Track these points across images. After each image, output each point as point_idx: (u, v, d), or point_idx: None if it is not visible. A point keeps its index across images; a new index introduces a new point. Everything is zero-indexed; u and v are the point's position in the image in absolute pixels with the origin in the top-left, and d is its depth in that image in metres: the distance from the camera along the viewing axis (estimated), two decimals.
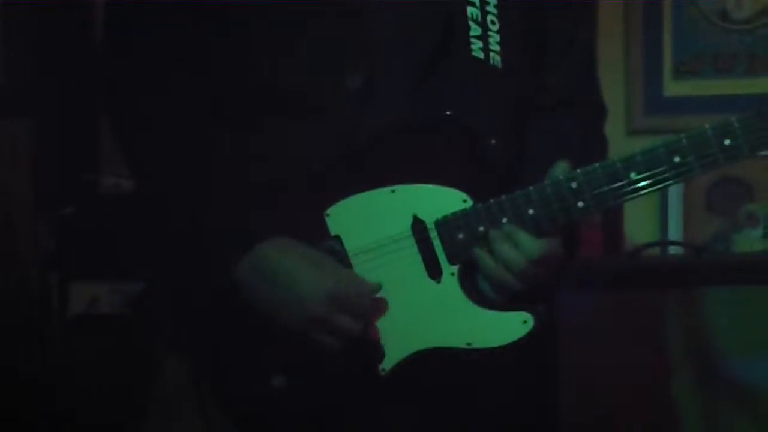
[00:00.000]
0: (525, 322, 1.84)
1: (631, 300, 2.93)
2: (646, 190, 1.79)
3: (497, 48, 1.89)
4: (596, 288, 2.93)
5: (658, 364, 2.91)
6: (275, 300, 1.84)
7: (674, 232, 3.40)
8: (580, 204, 1.80)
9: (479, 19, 1.89)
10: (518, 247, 1.81)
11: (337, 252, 1.88)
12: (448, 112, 1.85)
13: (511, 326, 1.85)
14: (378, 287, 1.86)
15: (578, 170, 1.80)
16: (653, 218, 3.41)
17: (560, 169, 1.81)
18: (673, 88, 3.39)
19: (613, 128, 3.20)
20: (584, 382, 2.84)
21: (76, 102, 3.16)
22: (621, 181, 1.79)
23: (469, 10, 1.88)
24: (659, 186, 1.78)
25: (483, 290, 1.85)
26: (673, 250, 3.34)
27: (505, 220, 1.83)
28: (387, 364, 1.87)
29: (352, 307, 1.83)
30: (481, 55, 1.89)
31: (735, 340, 2.90)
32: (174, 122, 1.89)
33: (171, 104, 1.88)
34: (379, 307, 1.87)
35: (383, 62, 1.87)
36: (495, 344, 1.85)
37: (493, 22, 1.89)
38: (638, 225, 3.41)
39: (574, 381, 2.79)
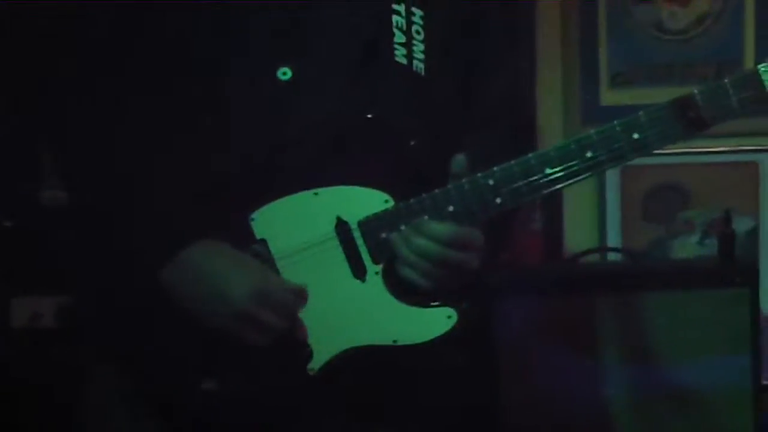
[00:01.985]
0: (449, 317, 1.87)
1: (570, 306, 2.95)
2: (560, 184, 1.83)
3: (421, 56, 1.94)
4: (536, 294, 2.94)
5: (596, 369, 2.93)
6: (202, 299, 1.85)
7: (613, 239, 3.43)
8: (498, 200, 1.84)
9: (404, 27, 1.94)
10: (427, 234, 1.84)
11: (263, 255, 1.90)
12: (369, 115, 1.89)
13: (435, 321, 1.87)
14: (302, 288, 1.88)
15: (495, 168, 1.84)
16: (592, 226, 3.45)
17: (458, 161, 1.84)
18: (610, 97, 3.42)
19: (551, 136, 3.29)
20: (524, 387, 2.87)
21: (17, 113, 3.15)
22: (536, 175, 1.83)
23: (395, 18, 1.93)
24: (572, 179, 1.82)
25: (411, 281, 1.86)
26: (612, 256, 3.38)
27: (426, 218, 1.86)
28: (316, 363, 1.89)
29: (276, 304, 1.85)
30: (405, 61, 1.93)
31: (673, 344, 2.93)
32: (101, 125, 1.90)
33: (99, 106, 1.90)
34: (303, 306, 1.89)
35: (313, 60, 1.91)
36: (420, 340, 1.87)
37: (418, 32, 1.94)
38: (578, 232, 3.44)
39: (515, 386, 2.82)
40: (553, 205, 3.42)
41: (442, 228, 1.84)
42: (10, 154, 3.10)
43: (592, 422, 2.91)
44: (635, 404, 2.91)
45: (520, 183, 1.83)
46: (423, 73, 1.94)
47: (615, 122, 1.83)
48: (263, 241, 1.90)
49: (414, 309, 1.88)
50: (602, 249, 3.39)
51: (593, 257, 3.32)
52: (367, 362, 1.89)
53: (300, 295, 1.88)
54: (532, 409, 2.86)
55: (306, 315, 1.91)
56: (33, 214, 3.03)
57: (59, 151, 1.95)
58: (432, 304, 1.88)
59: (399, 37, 1.93)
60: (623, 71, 3.42)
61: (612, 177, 3.39)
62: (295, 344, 1.89)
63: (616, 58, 3.42)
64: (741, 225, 3.31)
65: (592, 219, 3.45)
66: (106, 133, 1.91)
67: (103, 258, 1.91)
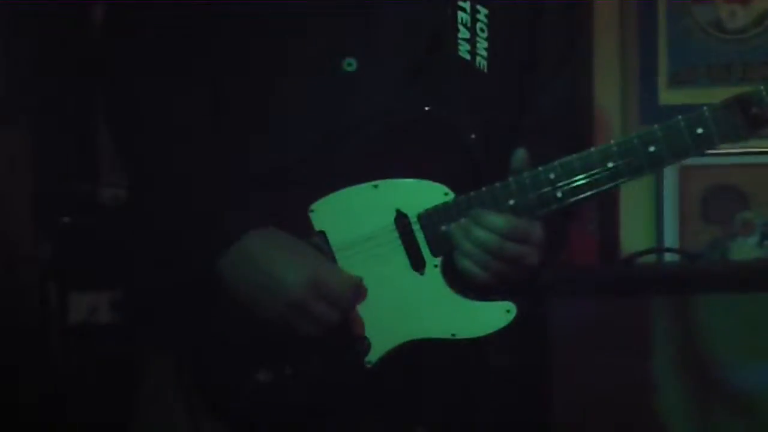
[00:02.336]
0: (508, 311, 1.86)
1: (625, 307, 2.94)
2: (621, 179, 1.83)
3: (484, 53, 1.95)
4: (591, 295, 2.94)
5: (652, 372, 2.93)
6: (256, 287, 1.85)
7: (670, 240, 3.42)
8: (559, 194, 1.84)
9: (468, 24, 1.95)
10: (486, 225, 1.84)
11: (321, 248, 1.90)
12: (427, 108, 1.88)
13: (493, 316, 1.86)
14: (359, 280, 1.88)
15: (556, 161, 1.84)
16: (649, 226, 3.44)
17: (518, 156, 1.84)
18: (668, 96, 3.42)
19: (609, 136, 3.30)
20: (578, 388, 2.86)
21: (75, 111, 3.18)
22: (597, 169, 1.83)
23: (460, 15, 1.94)
24: (635, 175, 1.82)
25: (469, 273, 1.86)
26: (668, 257, 3.36)
27: (485, 210, 1.86)
28: (373, 356, 1.89)
29: (330, 296, 1.85)
30: (468, 57, 1.94)
31: (730, 347, 2.91)
32: (165, 115, 1.91)
33: (161, 97, 1.91)
34: (361, 300, 1.89)
35: (377, 53, 1.92)
36: (478, 334, 1.87)
37: (482, 30, 1.95)
38: (634, 233, 3.43)
39: (568, 387, 2.82)
40: (609, 205, 3.42)
41: (501, 220, 1.83)
42: (70, 152, 3.13)
43: (646, 426, 2.91)
44: (690, 408, 2.91)
45: (582, 177, 1.83)
46: (485, 69, 1.95)
47: (679, 117, 1.82)
48: (322, 233, 1.91)
49: (473, 303, 1.88)
50: (659, 250, 3.38)
51: (649, 258, 3.32)
52: (424, 355, 1.89)
53: (356, 288, 1.88)
54: (584, 411, 2.86)
55: (364, 307, 1.90)
56: (91, 211, 3.06)
57: (121, 141, 1.96)
58: (491, 297, 1.87)
59: (463, 33, 1.94)
60: (682, 71, 3.42)
61: (670, 177, 3.38)
62: (353, 336, 1.89)
63: (674, 58, 3.42)
64: None
65: (648, 219, 3.44)
66: (166, 122, 1.92)
67: (160, 250, 1.92)
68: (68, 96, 3.16)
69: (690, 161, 3.26)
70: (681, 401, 2.88)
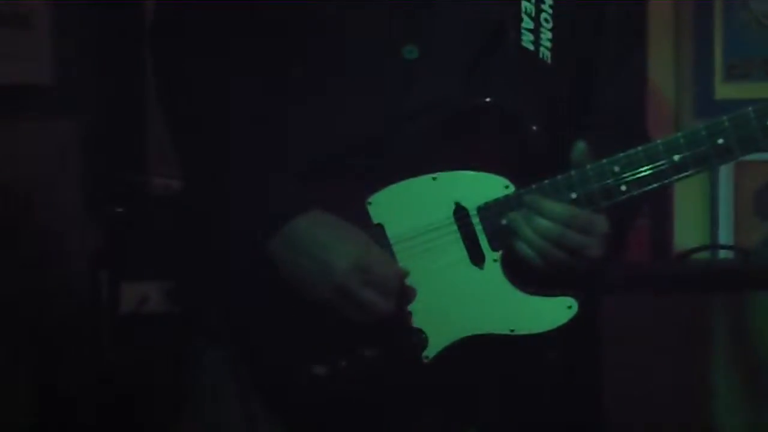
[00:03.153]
0: (569, 307, 1.84)
1: (679, 304, 2.94)
2: (688, 172, 1.82)
3: (548, 44, 1.92)
4: (645, 291, 2.95)
5: (706, 370, 2.93)
6: (304, 270, 1.85)
7: (724, 236, 3.41)
8: (623, 187, 1.83)
9: (533, 14, 1.92)
10: (548, 213, 1.83)
11: (379, 240, 1.89)
12: (488, 99, 1.87)
13: (554, 311, 1.85)
14: (405, 272, 1.87)
15: (621, 153, 1.82)
16: (703, 222, 3.43)
17: (579, 148, 1.83)
18: (724, 90, 3.40)
19: (663, 130, 3.27)
20: (630, 385, 2.85)
21: (126, 103, 3.20)
22: (663, 162, 1.82)
23: (523, 4, 1.92)
24: (702, 168, 1.81)
25: (529, 260, 1.84)
26: (722, 254, 3.36)
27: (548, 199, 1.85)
28: (430, 351, 1.87)
29: (376, 282, 1.84)
30: (531, 47, 1.92)
31: None
32: (220, 94, 1.91)
33: (218, 75, 1.91)
34: (410, 291, 1.87)
35: (439, 40, 1.90)
36: (538, 330, 1.85)
37: (546, 20, 1.93)
38: (688, 229, 3.43)
39: (620, 386, 2.80)
40: (662, 200, 3.40)
41: (563, 208, 1.82)
42: (120, 142, 3.14)
43: (700, 427, 2.92)
44: (745, 410, 2.92)
45: (647, 170, 1.82)
46: (549, 61, 1.93)
47: (749, 108, 1.80)
48: (380, 226, 1.89)
49: (533, 298, 1.86)
50: (713, 246, 3.38)
51: (703, 255, 3.31)
52: (483, 351, 1.88)
53: (403, 278, 1.86)
54: (637, 411, 2.85)
55: (422, 301, 1.89)
56: (142, 201, 3.08)
57: (175, 127, 1.96)
58: (552, 293, 1.85)
59: (527, 23, 1.92)
60: (739, 64, 3.39)
61: (724, 172, 3.36)
62: (409, 330, 1.88)
63: (731, 51, 3.40)
64: None
65: (703, 215, 3.43)
66: (221, 108, 1.91)
67: (212, 235, 1.90)
68: (119, 86, 3.15)
69: (744, 156, 3.29)
70: (735, 398, 2.90)
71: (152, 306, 2.96)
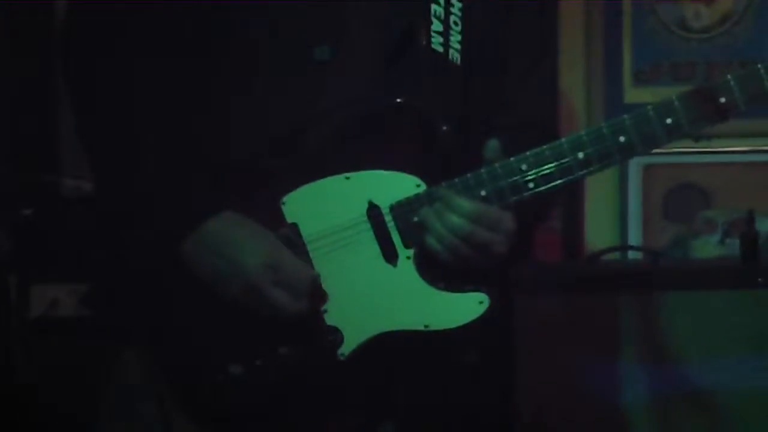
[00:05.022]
0: (481, 302, 1.87)
1: (589, 304, 2.97)
2: (592, 167, 1.86)
3: (457, 46, 1.95)
4: (555, 292, 2.97)
5: (615, 369, 2.95)
6: (216, 269, 1.86)
7: (633, 238, 3.47)
8: (530, 184, 1.87)
9: (442, 16, 1.95)
10: (457, 209, 1.85)
11: (293, 240, 1.90)
12: (399, 99, 1.89)
13: (467, 306, 1.87)
14: (315, 274, 1.88)
15: (527, 152, 1.86)
16: (613, 224, 3.48)
17: (491, 147, 1.86)
18: (634, 94, 3.47)
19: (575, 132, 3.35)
20: (541, 387, 2.88)
21: (36, 101, 3.16)
22: (567, 159, 1.86)
23: (433, 7, 1.95)
24: (604, 164, 1.85)
25: (438, 255, 1.87)
26: (632, 255, 3.39)
27: (458, 195, 1.88)
28: (346, 348, 1.89)
29: (285, 282, 1.85)
30: (441, 49, 1.95)
31: (691, 344, 2.94)
32: (131, 96, 1.91)
33: (129, 76, 1.91)
34: (324, 289, 1.89)
35: (351, 42, 1.92)
36: (452, 324, 1.87)
37: (455, 23, 1.96)
38: (598, 231, 3.48)
39: (531, 385, 2.79)
40: (573, 202, 3.43)
41: (471, 205, 1.85)
42: (31, 143, 3.11)
43: (610, 423, 2.93)
44: (655, 405, 2.93)
45: (552, 167, 1.86)
46: (458, 62, 1.95)
47: (648, 106, 1.84)
48: (294, 225, 1.91)
49: (446, 294, 1.89)
50: (622, 247, 3.42)
51: (613, 256, 3.34)
52: (397, 347, 1.90)
53: (313, 279, 1.88)
54: (547, 409, 2.88)
55: (337, 299, 1.90)
56: (53, 203, 3.05)
57: (84, 126, 1.95)
58: (464, 289, 1.89)
59: (437, 26, 1.94)
60: (646, 69, 3.46)
61: (633, 175, 3.42)
62: (324, 328, 1.90)
63: (639, 56, 3.47)
64: (763, 226, 3.29)
65: (612, 217, 3.48)
66: (131, 109, 1.91)
67: (124, 237, 1.91)
68: (29, 85, 3.10)
69: (653, 159, 3.33)
70: (645, 398, 2.92)
71: (64, 309, 2.95)
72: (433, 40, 1.94)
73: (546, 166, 1.86)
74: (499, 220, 1.87)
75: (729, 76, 1.81)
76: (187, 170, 1.90)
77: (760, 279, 2.88)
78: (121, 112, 1.91)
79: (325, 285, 1.91)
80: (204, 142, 1.93)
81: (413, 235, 1.90)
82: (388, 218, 1.90)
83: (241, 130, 1.93)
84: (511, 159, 1.87)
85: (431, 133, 1.91)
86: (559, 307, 2.93)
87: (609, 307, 2.94)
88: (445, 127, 1.91)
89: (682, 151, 3.30)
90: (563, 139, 1.86)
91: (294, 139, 1.92)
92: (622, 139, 1.84)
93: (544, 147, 1.86)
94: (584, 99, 3.46)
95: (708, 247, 3.42)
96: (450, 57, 1.95)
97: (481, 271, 1.90)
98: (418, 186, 1.90)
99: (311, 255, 1.91)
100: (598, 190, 3.40)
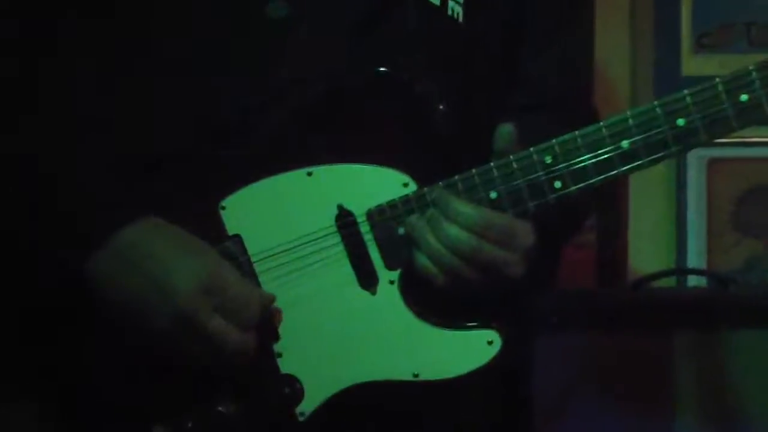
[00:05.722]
0: (490, 342, 1.88)
1: (634, 344, 3.01)
2: (640, 161, 1.86)
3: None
4: (588, 329, 3.02)
5: (664, 428, 2.99)
6: (135, 294, 1.86)
7: (693, 258, 3.47)
8: (557, 183, 1.86)
9: None
10: (459, 218, 1.86)
11: (235, 256, 1.92)
12: (381, 68, 1.91)
13: (471, 349, 1.89)
14: (271, 297, 1.89)
15: (553, 140, 1.86)
16: (666, 240, 3.49)
17: (505, 133, 1.87)
18: (694, 65, 3.48)
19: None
20: None
21: None
22: (608, 150, 1.86)
23: None
24: (655, 157, 1.85)
25: (431, 280, 1.88)
26: (691, 281, 3.42)
27: (458, 199, 1.88)
28: (307, 405, 1.91)
29: (230, 309, 1.86)
30: (437, 1, 1.96)
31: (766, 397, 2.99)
32: (29, 77, 1.93)
33: (29, 59, 1.93)
34: (278, 323, 1.90)
35: None
36: (450, 374, 1.89)
37: None
38: (646, 248, 3.48)
39: None
40: (614, 209, 3.44)
41: (478, 211, 1.85)
42: None
43: None
44: None
45: (587, 160, 1.86)
46: (461, 19, 1.98)
47: (717, 80, 1.84)
48: (236, 237, 1.92)
49: (442, 331, 1.90)
50: (679, 271, 3.43)
51: (666, 281, 3.36)
52: (376, 403, 1.92)
53: (265, 304, 1.89)
54: None
55: (295, 338, 1.91)
56: None
57: None
58: (467, 325, 1.89)
59: None
60: (712, 31, 3.47)
61: (694, 172, 3.42)
62: (278, 378, 1.90)
63: (702, 15, 3.47)
64: None
65: (665, 229, 3.49)
66: (39, 78, 1.94)
67: (10, 261, 1.91)
68: None
69: (721, 153, 3.34)
70: None
71: None
72: None
73: (578, 160, 1.86)
74: (514, 232, 1.87)
75: None
76: (93, 169, 1.91)
77: None
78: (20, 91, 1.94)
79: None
80: (120, 133, 1.95)
81: (398, 253, 1.90)
82: (364, 228, 1.91)
83: (170, 113, 1.96)
84: (531, 149, 1.87)
85: (423, 114, 1.92)
86: (594, 349, 2.99)
87: (659, 349, 3.01)
88: (441, 106, 1.91)
89: (759, 142, 3.31)
90: (601, 124, 1.86)
91: (240, 122, 1.93)
92: (680, 122, 1.84)
93: (576, 134, 1.86)
94: (629, 71, 3.46)
95: None
96: (450, 12, 1.97)
97: (490, 302, 1.91)
98: (406, 185, 1.90)
99: (259, 278, 1.92)
100: (646, 192, 3.40)
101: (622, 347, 2.99)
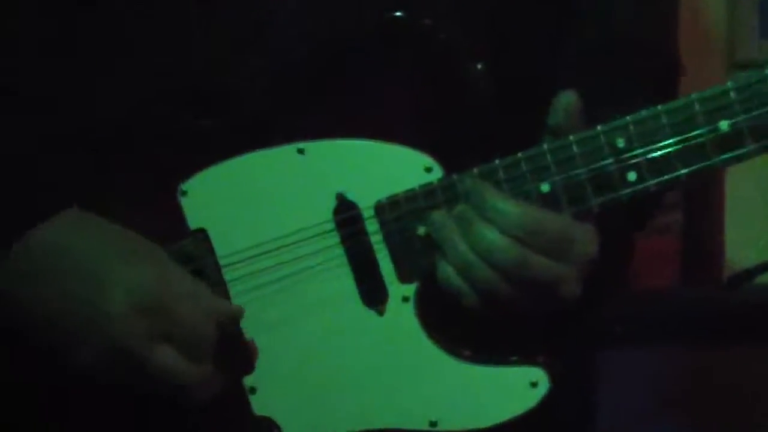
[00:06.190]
0: (534, 383, 1.84)
1: (727, 360, 2.98)
2: (742, 150, 1.79)
3: None
4: (666, 340, 2.98)
5: None
6: (52, 319, 1.82)
7: None
8: (631, 175, 1.80)
9: None
10: (499, 219, 1.81)
11: (196, 258, 1.89)
12: (398, 13, 1.86)
13: (508, 391, 1.85)
14: (238, 312, 1.85)
15: (628, 117, 1.80)
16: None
17: (565, 102, 1.80)
18: None
19: (709, 62, 3.33)
20: None
21: None
22: (701, 132, 1.79)
23: None
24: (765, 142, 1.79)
25: (459, 298, 1.83)
26: None
27: (498, 193, 1.84)
28: None
29: (185, 333, 1.82)
30: None
31: None
32: None
33: None
34: (251, 350, 1.86)
35: None
36: (479, 424, 1.85)
37: None
38: (745, 237, 3.45)
39: None
40: (704, 192, 3.43)
41: (525, 211, 1.81)
42: None
43: None
44: None
45: (672, 144, 1.80)
46: None
47: None
48: (200, 233, 1.88)
49: (470, 367, 1.86)
50: None
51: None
52: None
53: (232, 323, 1.85)
54: None
55: (273, 370, 1.88)
56: None
57: None
58: (505, 359, 1.85)
59: None
60: None
61: None
62: (252, 422, 1.87)
63: None
64: None
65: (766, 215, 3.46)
66: None
67: None
68: None
69: None
70: None
71: None
72: None
73: (660, 144, 1.80)
74: (571, 238, 1.83)
75: None
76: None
77: None
78: None
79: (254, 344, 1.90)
80: (46, 103, 1.93)
81: (415, 260, 1.86)
82: (371, 227, 1.86)
83: (117, 75, 1.93)
84: (598, 128, 1.81)
85: (453, 75, 1.87)
86: (673, 368, 2.96)
87: (757, 364, 2.98)
88: (479, 65, 1.86)
89: None
90: (693, 97, 1.79)
91: (206, 80, 1.91)
92: None
93: (659, 109, 1.80)
94: (725, 8, 3.42)
95: None
96: None
97: (535, 328, 1.90)
98: (429, 170, 1.85)
99: (229, 288, 1.88)
100: (743, 172, 3.16)
101: (711, 364, 2.97)
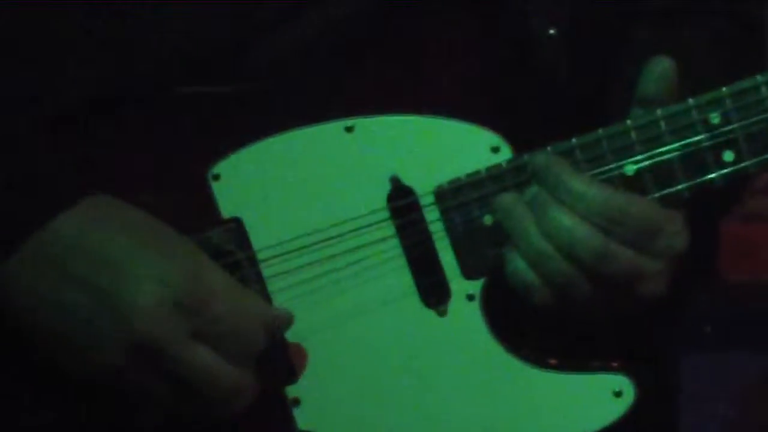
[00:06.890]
0: (618, 393, 1.90)
1: None
2: None
3: None
4: (762, 342, 3.09)
5: None
6: (72, 314, 1.88)
7: None
8: (728, 155, 1.86)
9: None
10: (578, 204, 1.86)
11: (230, 251, 1.95)
12: None
13: (588, 401, 1.91)
14: (286, 318, 1.90)
15: (723, 89, 1.84)
16: None
17: (659, 70, 1.85)
18: None
19: None
20: None
21: None
22: None
23: None
24: None
25: (528, 295, 1.88)
26: None
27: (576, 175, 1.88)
28: None
29: (219, 332, 1.87)
30: None
31: None
32: None
33: None
34: (296, 355, 1.92)
35: None
36: None
37: None
38: None
39: None
40: None
41: (606, 195, 1.86)
42: None
43: None
44: None
45: None
46: None
47: None
48: (234, 222, 1.94)
49: (545, 374, 1.92)
50: None
51: None
52: None
53: (276, 326, 1.90)
54: None
55: (320, 379, 1.93)
56: None
57: None
58: (585, 365, 1.91)
59: None
60: None
61: None
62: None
63: None
64: None
65: None
66: None
67: None
68: None
69: None
70: None
71: None
72: None
73: (759, 119, 1.85)
74: (659, 227, 1.87)
75: None
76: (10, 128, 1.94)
77: None
78: None
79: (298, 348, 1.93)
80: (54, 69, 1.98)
81: (482, 253, 1.92)
82: (431, 215, 1.91)
83: (123, 42, 1.98)
84: (690, 101, 1.86)
85: (522, 43, 1.93)
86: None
87: None
88: (552, 31, 1.92)
89: None
90: None
91: (240, 46, 1.96)
92: None
93: (757, 79, 1.85)
94: None
95: None
96: None
97: (618, 330, 1.94)
98: (496, 150, 1.91)
99: (268, 285, 1.94)
100: None
101: None
